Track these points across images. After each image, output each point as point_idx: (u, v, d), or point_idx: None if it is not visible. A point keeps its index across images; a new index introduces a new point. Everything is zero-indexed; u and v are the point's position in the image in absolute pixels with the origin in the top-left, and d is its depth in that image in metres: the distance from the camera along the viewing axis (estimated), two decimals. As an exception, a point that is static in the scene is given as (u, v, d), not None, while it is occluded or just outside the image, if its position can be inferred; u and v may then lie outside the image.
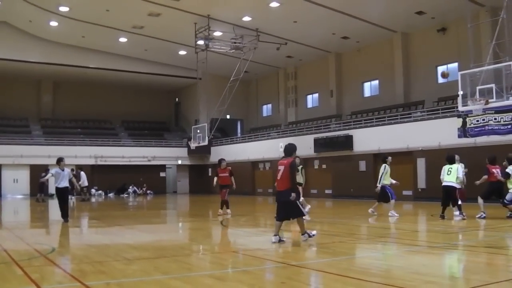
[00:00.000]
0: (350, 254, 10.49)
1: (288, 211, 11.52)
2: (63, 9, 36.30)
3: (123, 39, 42.03)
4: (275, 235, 11.61)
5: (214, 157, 46.30)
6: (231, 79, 40.35)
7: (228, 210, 20.68)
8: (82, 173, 35.73)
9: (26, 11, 37.99)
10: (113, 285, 7.30)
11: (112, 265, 9.13)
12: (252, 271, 8.53)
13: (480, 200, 16.84)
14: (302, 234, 11.62)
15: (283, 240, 11.63)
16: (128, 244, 12.29)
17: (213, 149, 47.04)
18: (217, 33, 37.37)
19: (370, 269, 8.51)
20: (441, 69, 34.94)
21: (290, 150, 12.12)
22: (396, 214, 18.15)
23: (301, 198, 17.65)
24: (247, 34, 37.15)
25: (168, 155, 47.95)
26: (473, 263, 9.25)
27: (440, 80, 34.15)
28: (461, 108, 23.59)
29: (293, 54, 42.58)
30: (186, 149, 48.16)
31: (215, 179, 21.48)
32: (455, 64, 33.06)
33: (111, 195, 38.71)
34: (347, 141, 33.93)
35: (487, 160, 17.17)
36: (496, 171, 16.82)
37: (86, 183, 35.60)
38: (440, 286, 7.17)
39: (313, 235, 11.66)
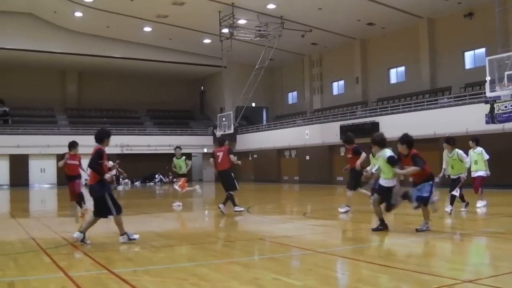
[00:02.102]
0: (377, 240, 10.43)
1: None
2: (86, -1, 36.51)
3: (147, 29, 42.12)
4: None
5: (240, 145, 46.35)
6: (256, 67, 40.30)
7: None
8: (110, 162, 35.93)
9: (51, 2, 38.29)
10: (140, 273, 7.34)
11: (139, 253, 9.19)
12: (278, 258, 8.52)
13: None
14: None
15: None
16: (154, 232, 12.35)
17: (238, 137, 47.05)
18: (242, 21, 37.33)
19: (397, 256, 8.47)
20: (468, 54, 34.60)
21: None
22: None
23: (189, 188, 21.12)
24: (272, 21, 37.07)
25: (194, 144, 48.04)
26: (501, 250, 9.11)
27: (468, 65, 33.80)
28: (488, 94, 23.37)
29: (318, 41, 42.36)
30: (211, 137, 48.23)
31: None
32: (483, 50, 32.69)
33: (137, 183, 38.93)
34: (373, 128, 33.66)
35: None
36: None
37: (113, 173, 35.83)
38: (467, 273, 7.10)
39: None
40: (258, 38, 38.57)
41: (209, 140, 48.81)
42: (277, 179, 42.89)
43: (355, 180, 16.23)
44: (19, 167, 43.64)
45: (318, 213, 16.11)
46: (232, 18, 36.34)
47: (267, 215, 16.56)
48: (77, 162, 16.41)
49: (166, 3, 36.03)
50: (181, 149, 21.94)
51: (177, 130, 49.33)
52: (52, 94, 51.22)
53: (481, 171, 15.68)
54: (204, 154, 49.75)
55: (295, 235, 11.19)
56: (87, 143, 46.55)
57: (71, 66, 50.36)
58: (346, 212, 15.75)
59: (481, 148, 15.67)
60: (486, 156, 15.60)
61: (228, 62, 41.72)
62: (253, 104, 49.03)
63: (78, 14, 39.70)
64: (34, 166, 44.53)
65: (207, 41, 43.66)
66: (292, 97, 51.38)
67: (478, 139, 15.98)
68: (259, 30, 37.81)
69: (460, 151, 14.47)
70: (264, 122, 51.15)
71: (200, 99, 57.04)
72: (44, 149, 43.37)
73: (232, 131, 42.33)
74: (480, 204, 15.86)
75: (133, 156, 44.75)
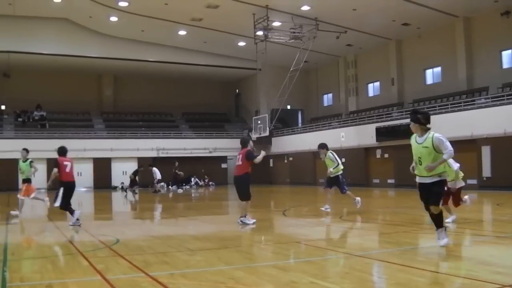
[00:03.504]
0: (414, 244, 10.33)
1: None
2: (123, 4, 36.77)
3: (182, 32, 42.33)
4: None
5: (275, 148, 46.30)
6: (291, 69, 40.26)
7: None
8: (155, 168, 36.45)
9: (87, 8, 38.64)
10: (177, 276, 7.36)
11: (175, 256, 9.21)
12: (315, 261, 8.49)
13: None
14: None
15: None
16: (191, 235, 12.39)
17: (274, 139, 46.99)
18: (276, 23, 37.29)
19: (434, 259, 8.36)
20: (505, 54, 34.10)
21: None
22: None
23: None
24: (306, 23, 36.96)
25: (229, 147, 48.03)
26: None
27: (505, 65, 33.34)
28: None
29: (353, 42, 42.14)
30: (247, 140, 48.28)
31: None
32: (520, 48, 32.27)
33: (173, 187, 39.11)
34: (410, 130, 33.39)
35: None
36: None
37: (159, 177, 36.28)
38: (508, 277, 6.97)
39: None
40: (292, 40, 38.49)
41: (244, 143, 48.84)
42: (312, 181, 42.72)
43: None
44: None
45: (354, 216, 15.99)
46: (267, 21, 36.35)
47: (303, 218, 16.51)
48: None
49: (200, 6, 36.17)
50: (27, 151, 20.05)
51: (212, 133, 49.48)
52: (89, 98, 51.73)
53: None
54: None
55: (331, 238, 11.15)
56: (123, 147, 47.30)
57: (107, 70, 50.83)
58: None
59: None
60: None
61: (263, 64, 41.73)
62: (288, 107, 48.96)
63: (113, 18, 40.09)
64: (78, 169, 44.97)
65: (241, 43, 43.73)
66: (327, 99, 51.18)
67: None
68: (294, 32, 37.73)
69: None
70: (300, 125, 51.01)
71: (235, 102, 57.18)
72: (81, 153, 43.77)
73: (267, 133, 42.36)
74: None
75: (169, 159, 44.94)
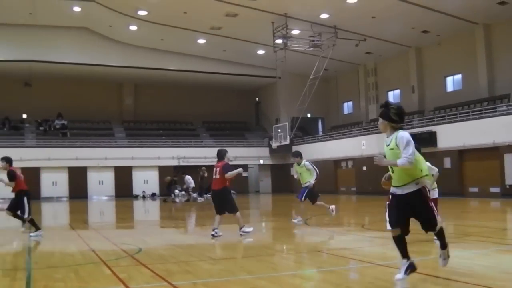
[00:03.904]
0: (437, 253, 10.23)
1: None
2: (142, 13, 37.05)
3: (201, 41, 42.49)
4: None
5: (296, 156, 46.21)
6: (311, 77, 40.22)
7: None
8: (188, 176, 36.56)
9: (106, 17, 38.98)
10: (200, 285, 7.35)
11: (198, 265, 9.20)
12: (338, 270, 8.44)
13: None
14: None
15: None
16: (212, 244, 12.38)
17: (294, 148, 46.84)
18: (295, 31, 37.26)
19: (458, 269, 8.28)
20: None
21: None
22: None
23: None
24: (325, 31, 36.92)
25: (250, 155, 48.09)
26: None
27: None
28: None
29: (372, 50, 42.02)
30: (267, 148, 48.26)
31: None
32: (542, 55, 31.99)
33: (194, 195, 39.06)
34: (431, 138, 33.21)
35: None
36: None
37: (192, 185, 36.37)
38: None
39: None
40: (312, 48, 38.46)
41: (265, 151, 48.83)
42: (334, 190, 42.59)
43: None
44: (78, 179, 44.37)
45: (376, 225, 15.90)
46: (286, 29, 36.37)
47: (324, 227, 16.43)
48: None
49: (219, 15, 36.28)
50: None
51: (233, 141, 49.50)
52: (109, 106, 52.01)
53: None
54: (260, 165, 49.78)
55: (354, 247, 11.07)
56: (144, 155, 47.44)
57: (127, 79, 51.07)
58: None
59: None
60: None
61: (282, 72, 41.74)
62: (309, 115, 48.88)
63: (133, 27, 40.36)
64: (92, 178, 45.21)
65: (261, 52, 43.77)
66: (347, 107, 51.04)
67: None
68: (313, 40, 37.70)
69: None
70: (320, 133, 50.91)
71: (256, 110, 57.20)
72: (102, 162, 44.08)
73: (288, 142, 42.33)
74: None
75: (190, 168, 44.97)
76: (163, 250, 11.36)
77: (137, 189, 45.60)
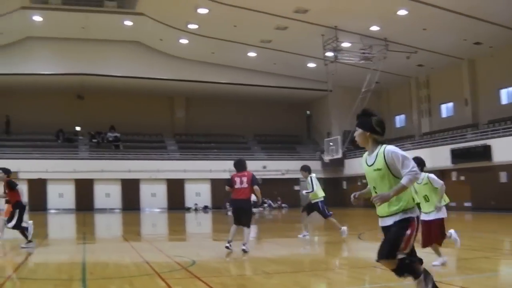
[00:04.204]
0: (496, 270, 10.01)
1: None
2: (192, 26, 37.44)
3: (252, 54, 42.66)
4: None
5: (348, 170, 45.89)
6: (363, 90, 39.93)
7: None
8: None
9: (157, 30, 39.53)
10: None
11: (252, 279, 9.18)
12: (393, 286, 8.31)
13: None
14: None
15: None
16: (266, 258, 12.33)
17: (346, 161, 46.56)
18: (345, 44, 37.09)
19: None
20: None
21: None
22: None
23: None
24: (376, 44, 36.65)
25: (302, 169, 47.73)
26: None
27: None
28: None
29: (424, 62, 41.49)
30: (319, 162, 48.00)
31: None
32: None
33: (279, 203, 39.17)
34: (485, 151, 32.62)
35: None
36: None
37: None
38: None
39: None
40: (362, 61, 38.24)
41: (317, 165, 48.41)
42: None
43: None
44: (131, 191, 44.87)
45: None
46: (336, 41, 36.23)
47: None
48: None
49: (269, 28, 36.40)
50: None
51: (284, 155, 49.39)
52: (161, 119, 52.44)
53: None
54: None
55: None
56: (196, 168, 47.70)
57: (179, 92, 51.44)
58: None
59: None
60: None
61: (333, 85, 41.55)
62: (361, 128, 48.36)
63: (184, 41, 40.77)
64: (145, 191, 45.66)
65: (311, 65, 43.71)
66: (399, 120, 50.48)
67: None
68: (363, 53, 37.49)
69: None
70: (372, 146, 50.27)
71: (307, 124, 57.01)
72: (154, 174, 44.48)
73: (340, 155, 42.07)
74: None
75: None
76: (216, 263, 11.37)
77: (189, 202, 45.88)
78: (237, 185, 13.54)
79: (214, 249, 15.29)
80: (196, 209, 44.36)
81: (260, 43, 39.81)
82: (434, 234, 9.95)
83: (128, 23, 38.99)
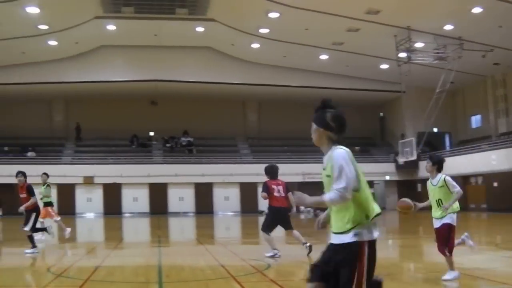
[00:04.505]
0: None
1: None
2: (263, 31, 37.53)
3: (323, 56, 42.46)
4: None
5: (423, 172, 44.99)
6: (437, 90, 39.22)
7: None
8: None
9: (229, 36, 39.79)
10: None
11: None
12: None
13: None
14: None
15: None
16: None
17: (421, 163, 45.61)
18: (419, 44, 36.53)
19: None
20: None
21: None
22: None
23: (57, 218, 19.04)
24: (450, 43, 35.93)
25: (375, 171, 47.16)
26: None
27: None
28: None
29: (500, 60, 40.31)
30: (393, 164, 47.38)
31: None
32: None
33: (318, 211, 38.77)
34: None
35: None
36: None
37: None
38: None
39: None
40: (436, 61, 37.56)
41: (391, 167, 47.90)
42: (464, 207, 41.02)
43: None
44: (204, 195, 45.27)
45: (511, 244, 15.21)
46: (409, 42, 35.72)
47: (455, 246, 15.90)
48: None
49: (341, 30, 36.16)
50: (48, 176, 20.09)
51: (358, 157, 48.49)
52: (233, 123, 52.70)
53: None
54: (386, 181, 48.91)
55: (487, 267, 10.63)
56: (269, 172, 47.05)
57: (251, 96, 51.61)
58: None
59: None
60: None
61: (407, 86, 40.89)
62: (435, 129, 47.60)
63: (255, 45, 40.93)
64: (218, 194, 46.00)
65: (384, 66, 43.20)
66: (475, 120, 49.31)
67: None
68: (437, 53, 36.82)
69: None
70: (448, 148, 49.39)
71: (380, 126, 56.34)
72: (227, 178, 44.76)
73: (415, 157, 41.43)
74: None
75: (315, 184, 44.67)
76: (292, 266, 11.33)
77: (262, 205, 45.86)
78: (276, 193, 13.30)
79: (289, 252, 15.22)
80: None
81: (332, 45, 39.59)
82: (439, 241, 9.33)
83: (199, 29, 39.42)
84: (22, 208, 14.58)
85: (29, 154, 46.40)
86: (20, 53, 40.35)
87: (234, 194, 45.73)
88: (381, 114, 55.58)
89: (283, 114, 52.79)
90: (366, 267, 4.63)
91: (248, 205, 45.05)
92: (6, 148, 47.54)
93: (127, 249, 17.14)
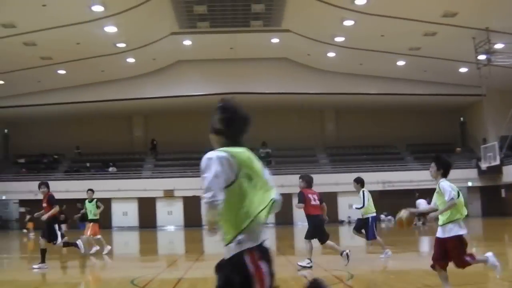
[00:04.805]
0: None
1: None
2: (339, 39, 37.44)
3: (400, 62, 41.93)
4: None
5: (507, 177, 43.71)
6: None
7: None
8: (421, 200, 36.03)
9: (304, 46, 39.87)
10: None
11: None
12: None
13: None
14: None
15: None
16: (427, 271, 11.92)
17: (505, 168, 44.36)
18: (498, 46, 35.60)
19: None
20: None
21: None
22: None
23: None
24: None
25: (457, 177, 45.74)
26: None
27: None
28: None
29: None
30: (475, 170, 46.23)
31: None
32: None
33: (423, 219, 38.17)
34: None
35: None
36: None
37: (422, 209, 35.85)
38: None
39: None
40: (518, 62, 36.57)
41: (473, 173, 46.65)
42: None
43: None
44: (284, 206, 44.48)
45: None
46: (488, 43, 34.83)
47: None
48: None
49: (417, 35, 35.61)
50: (93, 191, 19.80)
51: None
52: (311, 133, 52.50)
53: None
54: (468, 188, 47.70)
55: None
56: (349, 181, 47.00)
57: (328, 105, 51.36)
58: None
59: None
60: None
61: (488, 89, 39.89)
62: (519, 133, 46.24)
63: (331, 54, 40.85)
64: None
65: (463, 69, 42.27)
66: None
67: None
68: (519, 53, 35.86)
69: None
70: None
71: (461, 130, 55.06)
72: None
73: (498, 162, 40.36)
74: None
75: (395, 192, 44.02)
76: (374, 276, 11.15)
77: (342, 214, 45.62)
78: (313, 202, 13.64)
79: (371, 262, 15.02)
80: (349, 222, 43.97)
81: (408, 50, 39.07)
82: (434, 253, 8.50)
83: (275, 40, 39.62)
84: (45, 217, 14.93)
85: (110, 169, 47.56)
86: (99, 71, 41.57)
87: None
88: (462, 119, 54.31)
89: (361, 122, 52.39)
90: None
91: (328, 214, 44.57)
92: (88, 164, 48.99)
93: (209, 261, 17.21)
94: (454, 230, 8.31)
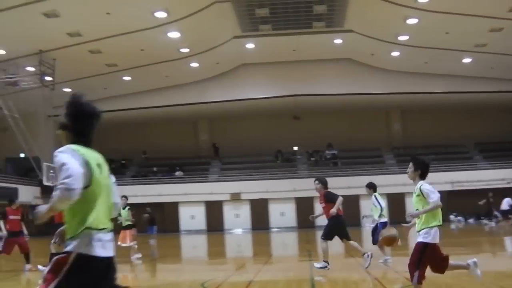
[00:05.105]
0: None
1: None
2: (403, 38, 36.95)
3: (466, 60, 41.12)
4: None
5: None
6: None
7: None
8: (508, 199, 35.89)
9: (368, 45, 39.49)
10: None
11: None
12: None
13: None
14: None
15: None
16: (500, 272, 11.69)
17: None
18: None
19: None
20: None
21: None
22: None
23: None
24: None
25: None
26: None
27: None
28: None
29: None
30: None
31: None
32: None
33: (471, 220, 37.52)
34: None
35: None
36: None
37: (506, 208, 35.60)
38: None
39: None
40: None
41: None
42: None
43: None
44: (351, 207, 44.51)
45: None
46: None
47: None
48: (18, 217, 15.50)
49: (483, 31, 34.82)
50: (127, 198, 19.40)
51: (509, 162, 46.53)
52: (377, 134, 51.96)
53: None
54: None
55: None
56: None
57: (393, 105, 50.69)
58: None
59: None
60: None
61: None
62: None
63: (395, 53, 40.36)
64: (365, 206, 45.25)
65: (532, 65, 41.22)
66: None
67: None
68: None
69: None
70: None
71: (530, 128, 53.61)
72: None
73: None
74: None
75: (464, 192, 43.16)
76: (449, 278, 10.94)
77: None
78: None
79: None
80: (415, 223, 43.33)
81: (474, 47, 38.25)
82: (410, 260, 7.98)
83: (338, 41, 39.41)
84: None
85: (177, 173, 48.10)
86: (164, 77, 42.14)
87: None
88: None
89: (427, 122, 51.61)
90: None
91: (396, 215, 44.10)
92: (155, 169, 49.67)
93: (278, 264, 17.28)
94: (424, 237, 7.88)
